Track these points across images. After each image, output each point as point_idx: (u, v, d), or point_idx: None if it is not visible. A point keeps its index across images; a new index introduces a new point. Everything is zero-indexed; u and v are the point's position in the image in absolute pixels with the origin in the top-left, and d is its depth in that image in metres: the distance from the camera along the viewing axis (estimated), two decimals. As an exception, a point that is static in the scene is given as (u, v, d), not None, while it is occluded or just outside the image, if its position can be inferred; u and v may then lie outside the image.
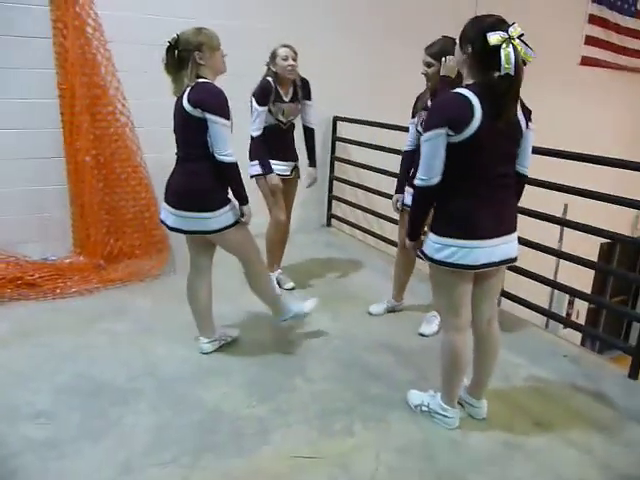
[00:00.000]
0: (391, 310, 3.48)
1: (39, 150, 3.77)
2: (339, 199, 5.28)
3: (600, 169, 3.03)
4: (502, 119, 1.92)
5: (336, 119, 5.08)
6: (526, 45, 1.86)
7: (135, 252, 4.05)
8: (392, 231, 4.05)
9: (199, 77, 2.46)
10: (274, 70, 3.34)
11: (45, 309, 3.32)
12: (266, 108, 3.33)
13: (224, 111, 2.42)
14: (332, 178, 5.25)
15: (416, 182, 2.06)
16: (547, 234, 3.83)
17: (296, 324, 3.20)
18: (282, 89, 3.38)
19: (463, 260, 2.01)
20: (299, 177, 3.69)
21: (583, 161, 3.01)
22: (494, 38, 1.83)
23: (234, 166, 2.50)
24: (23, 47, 3.59)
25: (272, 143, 3.42)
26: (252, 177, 3.41)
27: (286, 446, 2.19)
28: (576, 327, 3.52)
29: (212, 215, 2.50)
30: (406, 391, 2.52)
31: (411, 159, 3.02)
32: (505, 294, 3.60)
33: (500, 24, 1.88)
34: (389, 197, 3.37)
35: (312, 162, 3.70)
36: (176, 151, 2.58)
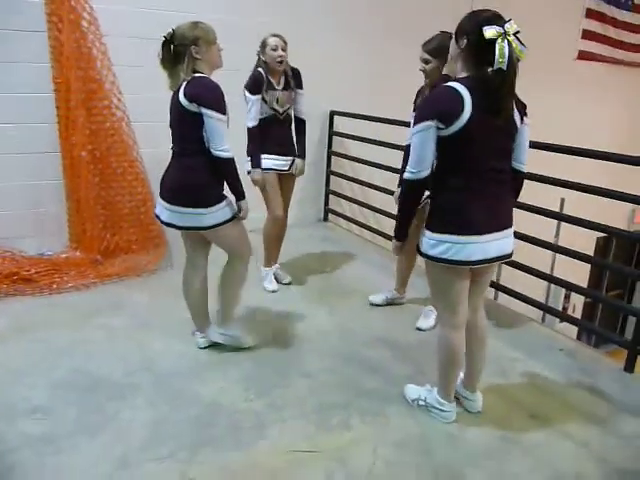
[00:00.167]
0: (391, 302, 3.49)
1: (35, 145, 3.76)
2: (336, 194, 5.28)
3: (596, 163, 3.03)
4: (502, 115, 1.92)
5: (333, 113, 5.07)
6: (520, 43, 1.87)
7: (132, 247, 4.05)
8: (389, 225, 4.05)
9: (195, 71, 2.44)
10: (264, 60, 3.32)
11: (41, 304, 3.32)
12: (259, 96, 3.31)
13: (220, 106, 2.41)
14: (329, 173, 5.24)
15: (405, 175, 2.05)
16: (543, 228, 3.83)
17: (293, 318, 3.20)
18: (274, 78, 3.37)
19: (457, 256, 2.01)
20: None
21: (579, 155, 3.01)
22: (490, 32, 1.83)
23: (230, 161, 2.49)
24: (18, 41, 3.56)
25: (270, 136, 3.40)
26: (249, 173, 3.40)
27: (283, 440, 2.20)
28: (572, 321, 3.54)
29: (207, 211, 2.48)
30: (403, 385, 2.53)
31: None
32: (501, 288, 3.61)
33: (496, 19, 1.88)
34: (386, 191, 3.37)
35: (301, 154, 3.63)
36: (172, 146, 2.57)
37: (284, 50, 3.30)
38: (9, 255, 3.63)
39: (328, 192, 5.30)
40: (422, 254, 2.13)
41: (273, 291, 3.62)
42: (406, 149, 3.18)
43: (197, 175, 2.48)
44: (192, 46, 2.41)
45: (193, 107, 2.39)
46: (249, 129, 3.34)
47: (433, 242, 2.05)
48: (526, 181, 2.24)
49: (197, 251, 2.73)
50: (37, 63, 3.62)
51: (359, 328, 3.17)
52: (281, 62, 3.31)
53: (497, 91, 1.89)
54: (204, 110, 2.38)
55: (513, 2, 3.99)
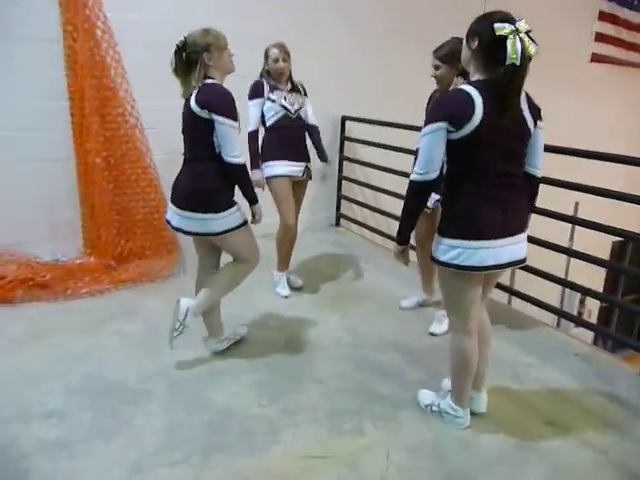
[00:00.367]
0: (422, 304, 3.53)
1: (49, 152, 3.79)
2: (347, 198, 5.27)
3: (611, 166, 3.00)
4: (507, 114, 1.90)
5: (345, 119, 5.07)
6: (532, 41, 1.86)
7: (145, 253, 4.07)
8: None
9: (207, 78, 2.46)
10: (267, 69, 3.39)
11: (56, 310, 3.35)
12: (258, 101, 3.35)
13: (231, 112, 2.42)
14: (341, 178, 5.25)
15: (412, 176, 2.04)
16: (558, 232, 3.79)
17: (305, 324, 3.20)
18: (279, 83, 3.41)
19: (468, 261, 1.99)
20: (310, 178, 3.66)
21: (595, 159, 2.99)
22: (501, 29, 1.83)
23: (242, 167, 2.50)
24: (33, 50, 3.61)
25: (285, 141, 3.42)
26: None
27: (296, 446, 2.19)
28: (588, 326, 3.50)
29: (216, 216, 2.48)
30: (416, 391, 2.51)
31: None
32: (516, 293, 3.58)
33: (508, 19, 1.87)
34: (397, 196, 3.37)
35: (322, 157, 3.65)
36: (183, 152, 2.59)
37: (285, 61, 3.35)
38: (24, 261, 3.66)
39: (340, 197, 5.31)
40: (434, 260, 2.11)
41: (286, 296, 3.62)
42: (417, 153, 3.18)
43: (207, 180, 2.49)
44: (204, 53, 2.42)
45: (204, 114, 2.40)
46: (248, 133, 3.38)
47: (444, 247, 2.04)
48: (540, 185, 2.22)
49: (209, 256, 2.74)
50: (52, 71, 3.66)
51: (371, 333, 3.16)
52: (282, 74, 3.37)
53: (507, 87, 1.87)
54: (215, 117, 2.39)
55: (525, 5, 3.96)
